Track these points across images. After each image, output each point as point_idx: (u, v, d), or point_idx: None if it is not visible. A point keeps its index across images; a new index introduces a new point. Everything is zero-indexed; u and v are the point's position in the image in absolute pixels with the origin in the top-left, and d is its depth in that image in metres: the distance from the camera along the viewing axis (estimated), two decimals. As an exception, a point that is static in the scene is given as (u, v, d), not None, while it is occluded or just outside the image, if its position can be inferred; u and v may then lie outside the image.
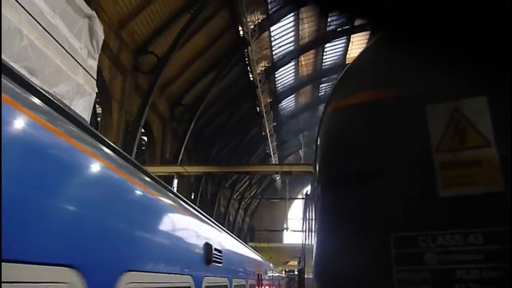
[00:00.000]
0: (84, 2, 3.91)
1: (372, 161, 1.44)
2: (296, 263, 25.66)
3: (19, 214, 1.08)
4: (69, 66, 3.58)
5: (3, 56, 2.16)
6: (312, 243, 2.15)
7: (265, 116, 27.11)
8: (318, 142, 1.69)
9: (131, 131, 14.95)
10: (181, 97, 20.74)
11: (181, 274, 2.56)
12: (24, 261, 1.07)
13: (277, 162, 31.79)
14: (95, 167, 1.64)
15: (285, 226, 34.23)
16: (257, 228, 41.46)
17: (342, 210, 1.50)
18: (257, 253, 10.14)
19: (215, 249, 3.55)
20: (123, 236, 1.80)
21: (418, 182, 1.34)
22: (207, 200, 27.33)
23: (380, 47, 1.58)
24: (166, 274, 2.22)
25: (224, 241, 4.66)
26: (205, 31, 18.91)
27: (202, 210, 3.97)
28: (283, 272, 25.68)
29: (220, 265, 3.80)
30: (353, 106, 1.56)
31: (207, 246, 3.26)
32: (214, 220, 4.70)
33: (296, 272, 20.76)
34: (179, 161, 19.42)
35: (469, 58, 1.05)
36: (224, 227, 5.41)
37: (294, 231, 30.45)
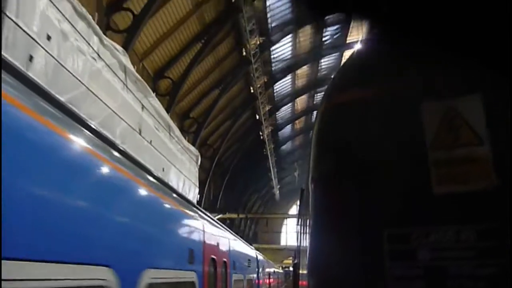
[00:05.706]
0: (193, 148, 7.20)
1: (366, 158, 1.43)
2: (290, 261, 33.19)
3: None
4: (189, 181, 6.47)
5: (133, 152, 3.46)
6: (307, 241, 2.10)
7: (269, 155, 38.87)
8: (312, 141, 1.67)
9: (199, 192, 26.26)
10: (215, 154, 31.94)
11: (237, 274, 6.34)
12: None
13: (277, 183, 44.53)
14: (198, 218, 4.07)
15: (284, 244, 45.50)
16: (260, 235, 51.03)
17: (335, 207, 1.50)
18: (263, 256, 13.62)
19: (236, 260, 6.70)
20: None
21: (412, 179, 1.35)
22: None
23: (374, 44, 1.56)
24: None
25: (244, 251, 8.18)
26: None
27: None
28: (281, 268, 32.01)
29: (240, 266, 6.95)
30: (346, 103, 1.53)
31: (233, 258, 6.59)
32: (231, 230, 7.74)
33: (291, 268, 22.54)
34: (218, 199, 31.21)
35: (465, 55, 1.03)
36: (238, 234, 7.47)
37: (290, 250, 35.39)
